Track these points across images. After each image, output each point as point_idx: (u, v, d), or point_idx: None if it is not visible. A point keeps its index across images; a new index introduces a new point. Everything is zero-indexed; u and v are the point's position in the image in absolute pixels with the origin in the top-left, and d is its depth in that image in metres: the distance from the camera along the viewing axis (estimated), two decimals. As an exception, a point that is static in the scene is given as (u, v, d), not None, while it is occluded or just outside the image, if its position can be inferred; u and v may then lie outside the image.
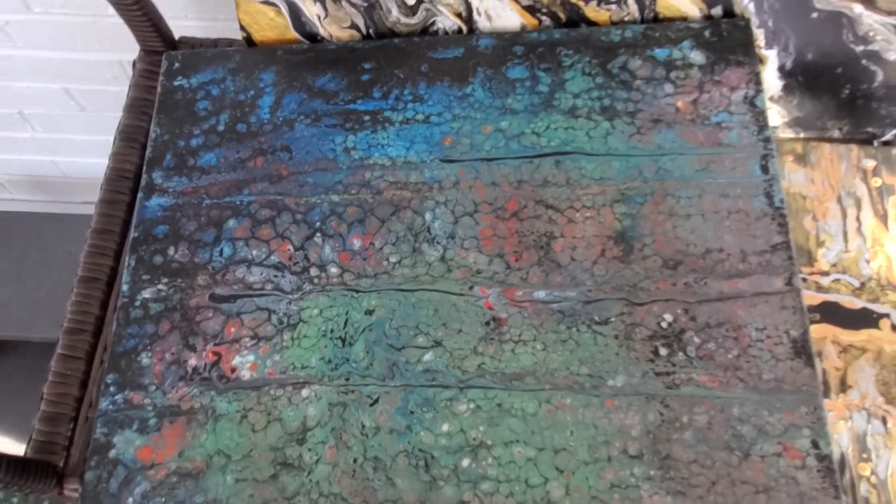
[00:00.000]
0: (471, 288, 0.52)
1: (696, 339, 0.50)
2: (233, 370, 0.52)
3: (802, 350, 0.49)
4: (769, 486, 0.46)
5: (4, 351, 1.18)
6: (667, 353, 0.49)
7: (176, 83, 0.62)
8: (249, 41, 0.64)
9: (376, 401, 0.50)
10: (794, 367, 0.48)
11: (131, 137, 0.67)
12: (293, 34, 0.63)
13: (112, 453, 0.51)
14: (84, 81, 0.93)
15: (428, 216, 0.55)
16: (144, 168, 0.59)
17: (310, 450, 0.49)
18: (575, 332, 0.51)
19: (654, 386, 0.49)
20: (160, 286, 0.55)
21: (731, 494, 0.46)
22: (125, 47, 0.86)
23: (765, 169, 0.53)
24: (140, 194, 0.58)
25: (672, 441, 0.47)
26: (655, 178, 0.54)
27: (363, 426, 0.50)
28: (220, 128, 0.59)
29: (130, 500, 0.49)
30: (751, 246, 0.51)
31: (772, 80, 0.64)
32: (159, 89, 0.62)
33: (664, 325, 0.50)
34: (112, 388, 0.52)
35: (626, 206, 0.53)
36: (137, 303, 0.55)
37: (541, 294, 0.52)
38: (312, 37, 0.63)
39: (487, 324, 0.51)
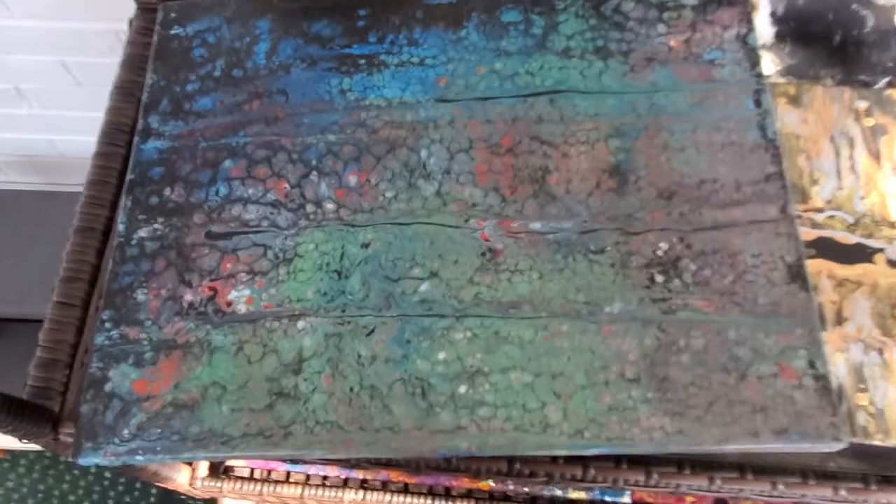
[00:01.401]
0: (466, 220, 0.53)
1: (692, 266, 0.50)
2: (229, 304, 0.52)
3: (797, 275, 0.49)
4: (766, 406, 0.46)
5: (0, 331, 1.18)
6: (663, 280, 0.50)
7: (172, 32, 0.62)
8: (244, -9, 0.64)
9: (372, 331, 0.50)
10: (790, 292, 0.48)
11: (128, 92, 0.67)
12: (288, -17, 0.63)
13: (108, 387, 0.50)
14: (80, 53, 0.94)
15: (423, 153, 0.55)
16: (141, 113, 0.59)
17: (306, 379, 0.49)
18: (571, 261, 0.51)
19: (650, 311, 0.49)
20: (156, 225, 0.55)
21: (728, 414, 0.46)
22: (121, 16, 0.86)
23: (757, 103, 0.54)
24: (136, 138, 0.58)
25: (669, 364, 0.47)
26: (649, 114, 0.54)
27: (359, 356, 0.50)
28: (216, 73, 0.60)
29: (126, 431, 0.49)
30: (745, 176, 0.52)
31: (764, 27, 0.64)
32: (155, 38, 0.62)
33: (660, 253, 0.50)
34: (108, 325, 0.52)
35: (621, 140, 0.54)
36: (133, 242, 0.55)
37: (536, 225, 0.52)
38: (307, -14, 0.63)
39: (483, 255, 0.51)
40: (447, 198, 0.53)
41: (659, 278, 0.50)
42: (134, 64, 0.68)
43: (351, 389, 0.49)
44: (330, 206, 0.54)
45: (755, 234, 0.50)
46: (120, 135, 0.65)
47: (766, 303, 0.48)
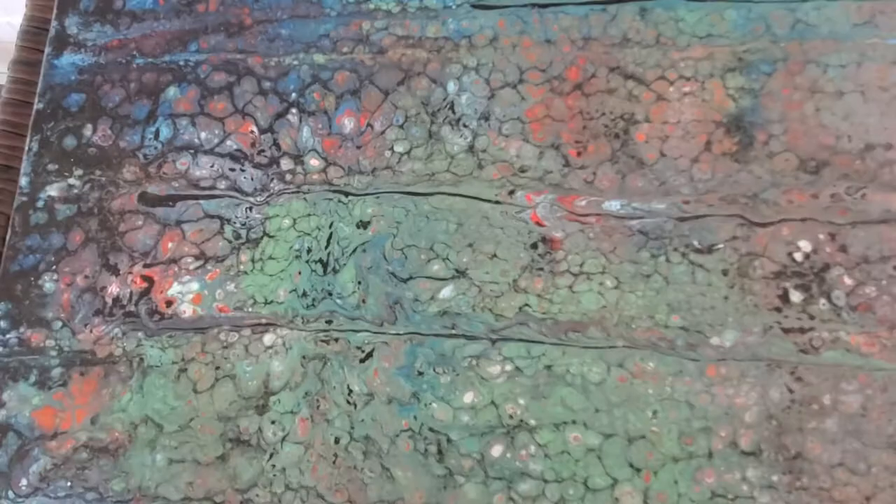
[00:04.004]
0: (511, 193, 0.36)
1: (848, 280, 0.33)
2: (169, 303, 0.37)
3: None
4: (955, 507, 0.30)
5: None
6: (802, 300, 0.33)
7: None
8: None
9: (370, 355, 0.35)
10: None
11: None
12: None
13: (1, 415, 0.36)
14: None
15: (451, 87, 0.38)
16: (55, 12, 0.42)
17: (273, 422, 0.35)
18: (663, 263, 0.34)
19: (780, 347, 0.33)
20: (72, 180, 0.39)
21: (895, 516, 0.31)
22: None
23: (961, 24, 0.35)
24: (48, 49, 0.42)
25: (806, 432, 0.32)
26: (790, 37, 0.36)
27: (350, 391, 0.35)
28: (160, -44, 0.42)
29: (25, 481, 0.35)
30: (937, 141, 0.34)
31: None
32: None
33: (798, 256, 0.34)
34: (3, 323, 0.37)
35: (746, 77, 0.36)
36: (40, 203, 0.39)
37: (614, 205, 0.35)
38: None
39: (534, 246, 0.35)
40: (484, 157, 0.37)
41: (796, 297, 0.33)
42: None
43: (337, 441, 0.34)
44: (315, 162, 0.38)
45: (949, 235, 0.33)
46: (45, 36, 0.48)
47: (961, 344, 0.32)
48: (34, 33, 0.49)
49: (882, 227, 0.34)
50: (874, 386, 0.32)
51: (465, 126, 0.37)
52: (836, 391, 0.32)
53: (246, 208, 0.38)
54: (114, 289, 0.38)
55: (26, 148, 0.40)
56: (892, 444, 0.32)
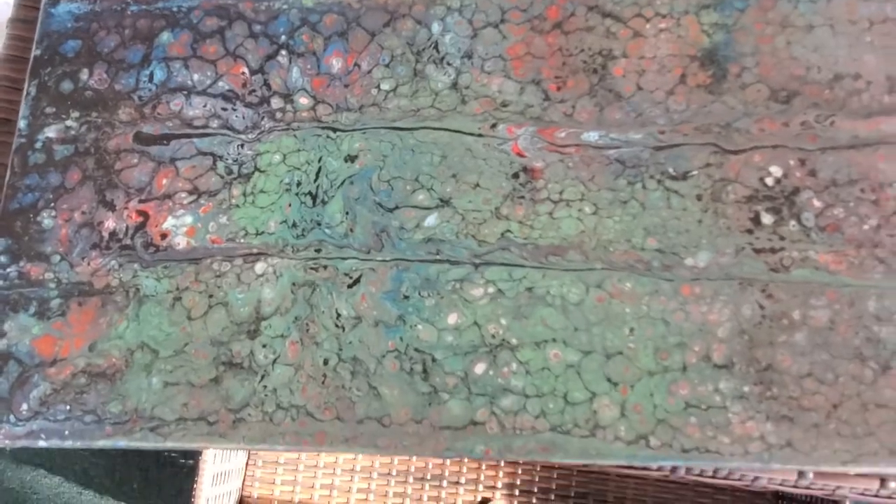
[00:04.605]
0: (493, 126, 0.37)
1: (817, 203, 0.34)
2: (163, 236, 0.38)
3: (974, 220, 0.33)
4: (918, 413, 0.32)
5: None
6: (772, 222, 0.34)
7: None
8: None
9: (357, 280, 0.36)
10: (961, 245, 0.33)
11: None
12: None
13: (2, 344, 0.37)
14: None
15: (436, 27, 0.39)
16: (51, -36, 0.43)
17: (265, 345, 0.36)
18: (639, 190, 0.36)
19: (752, 267, 0.34)
20: (69, 122, 0.40)
21: (861, 422, 0.32)
22: None
23: (927, -41, 0.36)
24: (45, -1, 0.43)
25: (776, 345, 0.33)
26: (763, -26, 0.37)
27: (338, 315, 0.36)
28: None
29: (25, 406, 0.36)
30: (903, 70, 0.35)
31: None
32: None
33: (769, 181, 0.35)
34: (3, 258, 0.39)
35: (719, 13, 0.37)
36: (38, 144, 0.40)
37: (592, 136, 0.37)
38: None
39: (516, 176, 0.36)
40: (467, 93, 0.38)
41: (767, 219, 0.35)
42: None
43: (325, 362, 0.35)
44: (304, 100, 0.39)
45: (914, 158, 0.34)
46: (42, -6, 0.49)
47: (925, 260, 0.33)
48: (31, -8, 0.51)
49: (850, 153, 0.35)
50: (842, 301, 0.33)
51: (448, 64, 0.39)
52: (806, 307, 0.34)
53: (238, 145, 0.39)
54: (110, 223, 0.39)
55: (24, 93, 0.42)
56: (858, 356, 0.33)
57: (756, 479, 0.43)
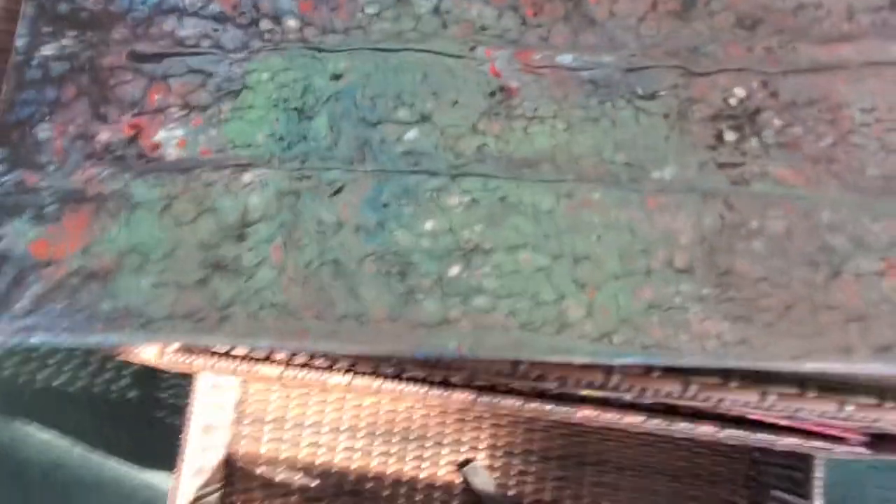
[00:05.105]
0: (472, 48, 0.39)
1: (777, 122, 0.36)
2: (155, 147, 0.40)
3: (923, 138, 0.35)
4: (865, 314, 0.34)
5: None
6: (735, 139, 0.36)
7: None
8: None
9: (339, 190, 0.38)
10: (911, 161, 0.35)
11: None
12: None
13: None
14: None
15: (419, -46, 0.41)
16: None
17: (250, 249, 0.38)
18: (610, 108, 0.37)
19: (714, 180, 0.36)
20: (65, 41, 0.42)
21: (812, 322, 0.34)
22: None
23: None
24: (44, -75, 0.44)
25: (735, 252, 0.35)
26: None
27: (320, 222, 0.37)
28: None
29: (20, 304, 0.38)
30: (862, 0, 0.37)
31: None
32: None
33: (733, 101, 0.37)
34: (1, 167, 0.40)
35: (690, -56, 0.39)
36: (35, 62, 0.42)
37: (566, 58, 0.38)
38: None
39: (493, 94, 0.38)
40: (448, 17, 0.39)
41: (729, 136, 0.36)
42: None
43: (308, 265, 0.37)
44: (292, 22, 0.41)
45: (870, 82, 0.36)
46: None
47: (877, 175, 0.35)
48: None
49: (810, 76, 0.37)
50: (797, 212, 0.35)
51: (431, -10, 0.40)
52: (764, 217, 0.36)
53: (228, 64, 0.41)
54: (104, 136, 0.40)
55: (21, 14, 0.43)
56: (811, 262, 0.35)
57: (720, 400, 0.45)
